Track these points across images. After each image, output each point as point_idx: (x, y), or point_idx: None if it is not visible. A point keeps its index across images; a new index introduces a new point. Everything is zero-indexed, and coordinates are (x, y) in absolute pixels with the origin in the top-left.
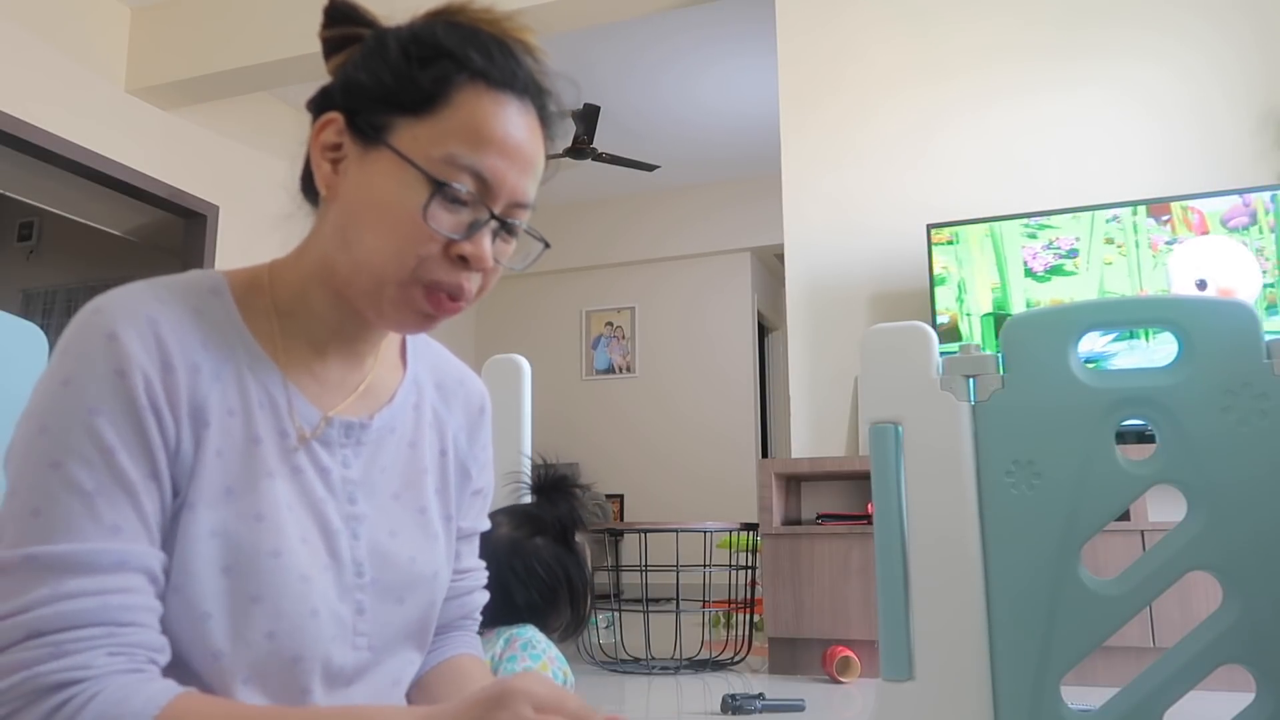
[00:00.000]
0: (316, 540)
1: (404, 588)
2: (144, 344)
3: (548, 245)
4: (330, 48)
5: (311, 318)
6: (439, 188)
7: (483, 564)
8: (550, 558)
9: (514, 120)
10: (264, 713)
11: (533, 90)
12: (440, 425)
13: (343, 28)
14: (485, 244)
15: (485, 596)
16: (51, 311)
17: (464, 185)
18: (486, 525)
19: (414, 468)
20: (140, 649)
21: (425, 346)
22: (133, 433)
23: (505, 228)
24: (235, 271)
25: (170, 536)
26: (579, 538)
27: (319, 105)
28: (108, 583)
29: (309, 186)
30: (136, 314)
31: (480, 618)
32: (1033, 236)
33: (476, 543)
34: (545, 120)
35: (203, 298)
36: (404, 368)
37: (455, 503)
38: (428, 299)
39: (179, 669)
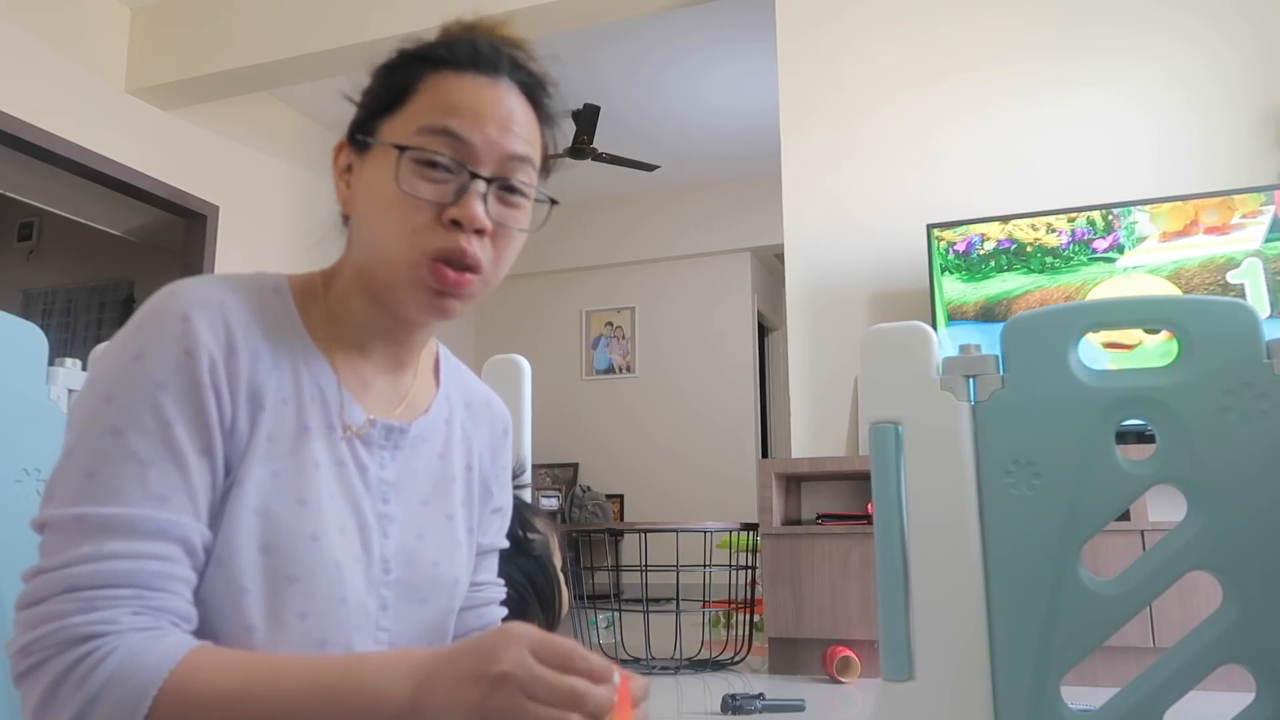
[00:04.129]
0: (352, 532)
1: (426, 589)
2: (212, 328)
3: (555, 202)
4: None
5: (355, 323)
6: (403, 152)
7: (501, 581)
8: (511, 570)
9: (483, 88)
10: (275, 660)
11: (505, 67)
12: (468, 442)
13: None
14: (474, 205)
15: (502, 611)
16: (51, 311)
17: (436, 148)
18: (505, 544)
19: (443, 477)
20: (165, 613)
21: (456, 369)
22: (193, 409)
23: (500, 184)
24: (294, 276)
25: (220, 513)
26: (534, 535)
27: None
28: (146, 548)
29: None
30: (209, 300)
31: None
32: None
33: (495, 560)
34: (531, 97)
35: (266, 295)
36: (437, 384)
37: (478, 517)
38: (432, 273)
39: (213, 640)
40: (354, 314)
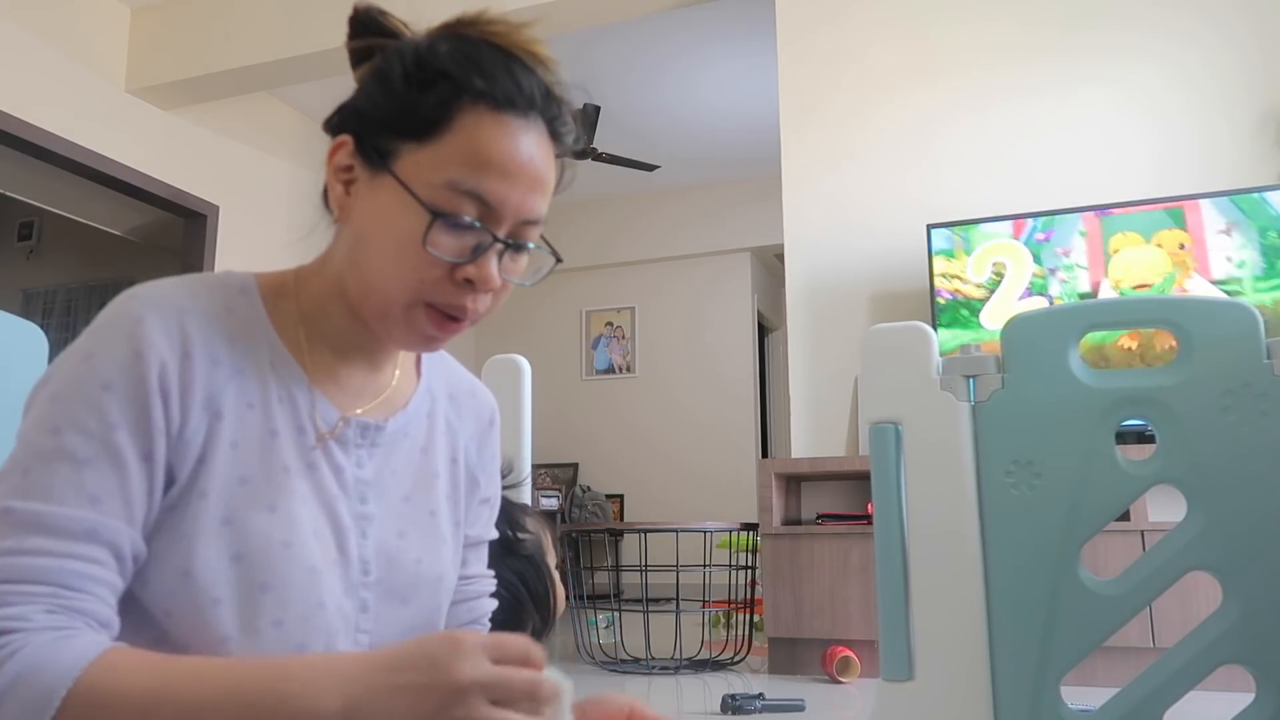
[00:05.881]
0: (328, 535)
1: (408, 588)
2: (166, 333)
3: (559, 260)
4: (356, 59)
5: (331, 326)
6: (436, 217)
7: (490, 572)
8: (503, 571)
9: (517, 140)
10: (193, 664)
11: (539, 105)
12: (452, 434)
13: (366, 39)
14: (490, 267)
15: (494, 604)
16: (51, 311)
17: (465, 212)
18: (494, 534)
19: (425, 472)
20: (82, 615)
21: (438, 359)
22: (136, 413)
23: (513, 246)
24: (263, 275)
25: (180, 523)
26: (525, 536)
27: (334, 126)
28: (72, 549)
29: (328, 201)
30: (166, 304)
31: (490, 624)
32: None
33: (484, 551)
34: (555, 134)
35: (232, 296)
36: (418, 377)
37: (464, 509)
38: (430, 321)
39: (183, 651)
40: (331, 319)
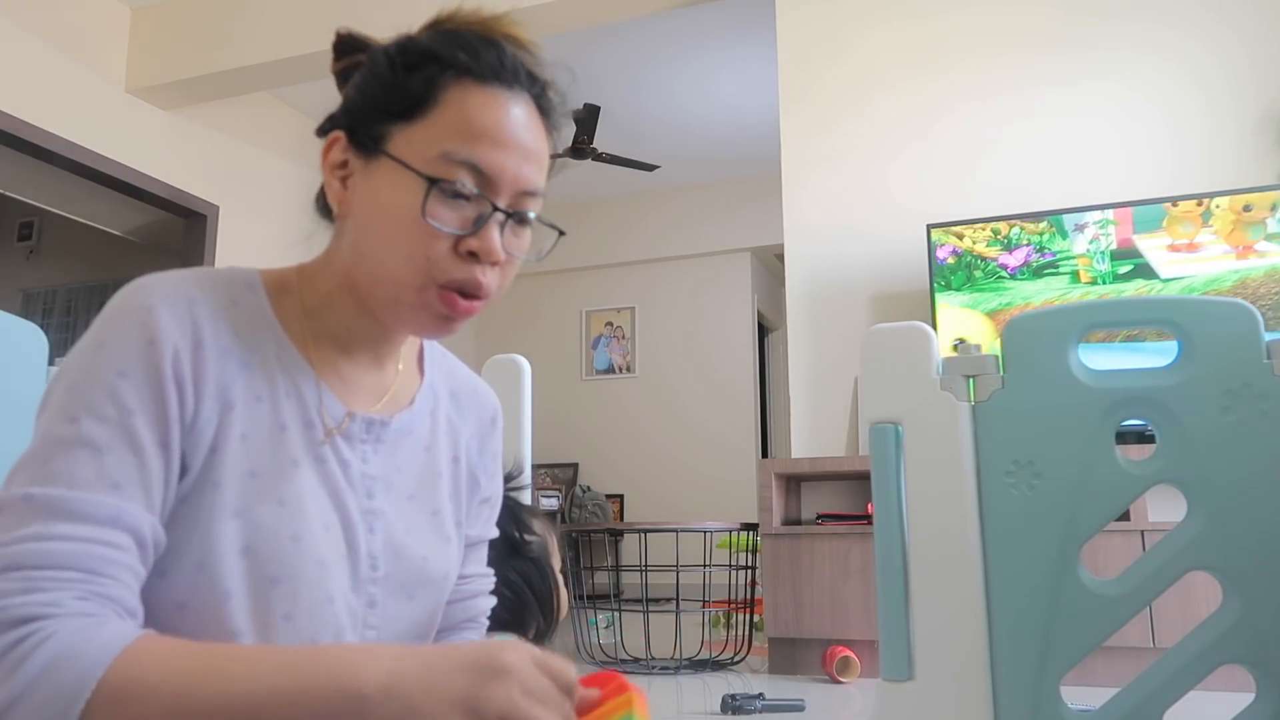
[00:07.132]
0: (337, 530)
1: (415, 585)
2: (178, 321)
3: (562, 233)
4: (341, 79)
5: (337, 323)
6: (433, 184)
7: (490, 571)
8: (509, 573)
9: (506, 109)
10: (227, 650)
11: (524, 80)
12: (454, 432)
13: (349, 58)
14: (492, 236)
15: (492, 601)
16: (51, 311)
17: (462, 180)
18: (494, 533)
19: (429, 470)
20: (111, 601)
21: (441, 357)
22: (152, 400)
23: (515, 218)
24: (267, 271)
25: (195, 515)
26: (530, 537)
27: (325, 129)
28: (97, 534)
29: (324, 205)
30: (176, 294)
31: (487, 622)
32: None
33: (484, 550)
34: (543, 109)
35: (238, 291)
36: (421, 375)
37: (465, 509)
38: (443, 301)
39: None
40: (338, 314)
